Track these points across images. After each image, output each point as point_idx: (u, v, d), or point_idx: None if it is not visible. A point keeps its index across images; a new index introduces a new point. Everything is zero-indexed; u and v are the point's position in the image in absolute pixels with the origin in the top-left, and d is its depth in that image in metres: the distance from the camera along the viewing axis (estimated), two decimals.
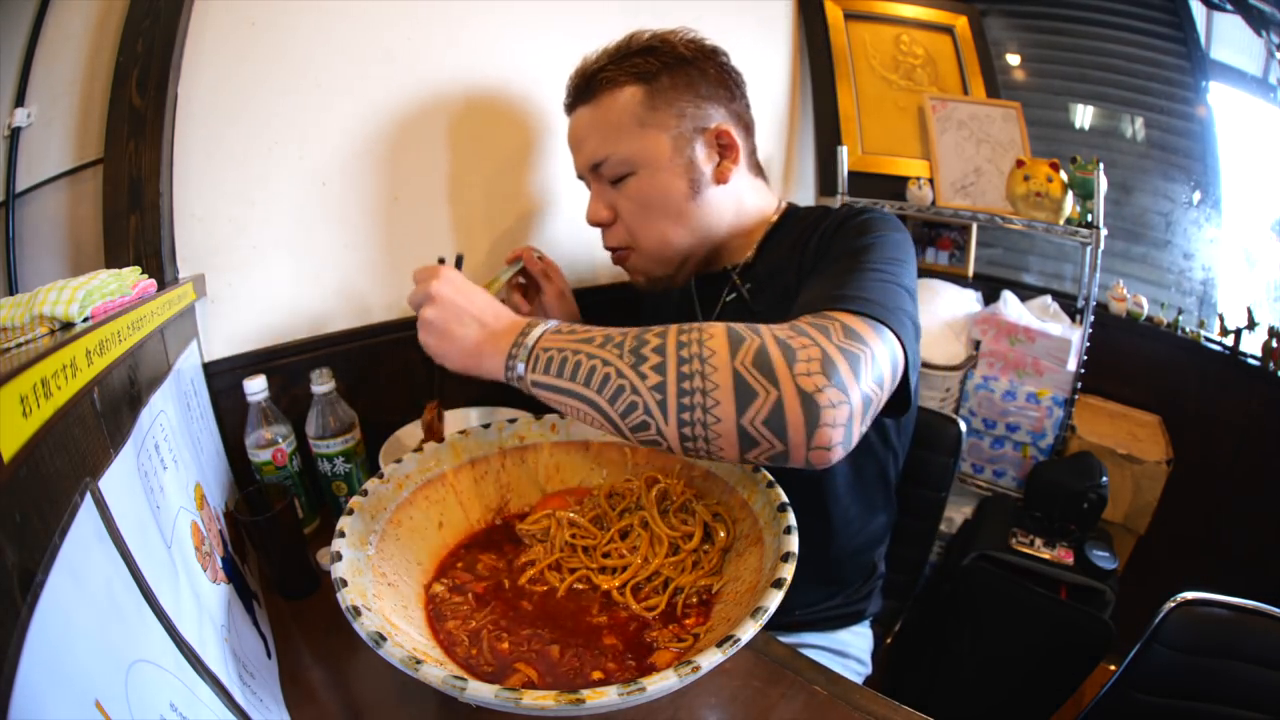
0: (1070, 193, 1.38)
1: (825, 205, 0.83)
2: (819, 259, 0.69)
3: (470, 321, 0.59)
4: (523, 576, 0.60)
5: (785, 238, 0.79)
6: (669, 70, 0.74)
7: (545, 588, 0.59)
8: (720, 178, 0.77)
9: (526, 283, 0.93)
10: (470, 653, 0.52)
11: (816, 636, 0.85)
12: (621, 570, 0.59)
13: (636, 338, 0.51)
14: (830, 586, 0.85)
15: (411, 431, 0.89)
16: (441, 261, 0.67)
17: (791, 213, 0.83)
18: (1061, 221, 1.40)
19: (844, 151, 1.58)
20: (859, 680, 0.87)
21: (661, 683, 0.39)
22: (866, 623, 0.91)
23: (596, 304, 1.18)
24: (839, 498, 0.79)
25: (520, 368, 0.55)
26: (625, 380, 0.49)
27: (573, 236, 1.16)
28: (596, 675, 0.49)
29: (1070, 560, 1.23)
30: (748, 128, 0.81)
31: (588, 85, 0.77)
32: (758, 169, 0.84)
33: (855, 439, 0.48)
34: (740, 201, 0.80)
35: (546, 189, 1.12)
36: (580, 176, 0.84)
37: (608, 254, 0.86)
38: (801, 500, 0.76)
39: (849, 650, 0.86)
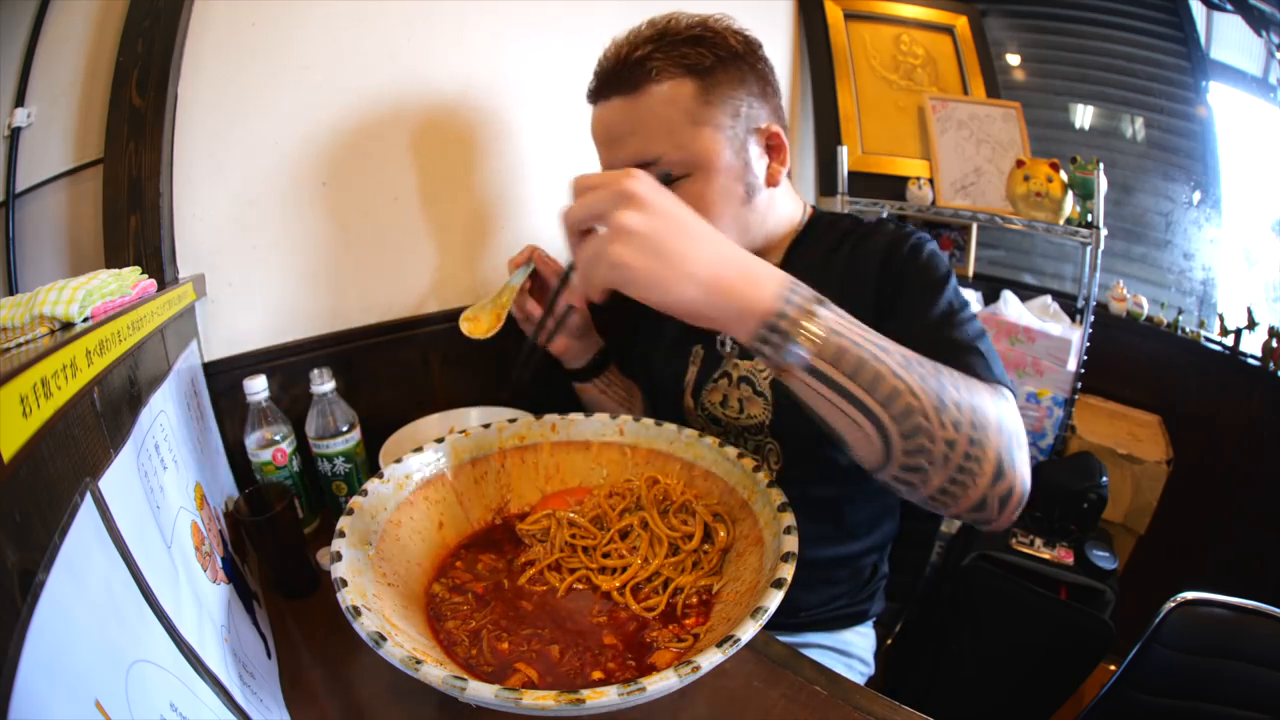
0: (1070, 193, 1.38)
1: (853, 215, 0.80)
2: (891, 292, 0.68)
3: (705, 237, 0.47)
4: (522, 576, 0.60)
5: (815, 245, 0.77)
6: (723, 65, 0.68)
7: (545, 588, 0.59)
8: (770, 181, 0.74)
9: (533, 284, 0.89)
10: (470, 653, 0.52)
11: (821, 636, 0.85)
12: (621, 570, 0.59)
13: (935, 379, 0.49)
14: (837, 588, 0.85)
15: (411, 431, 0.89)
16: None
17: (819, 218, 0.81)
18: (1061, 221, 1.40)
19: (844, 151, 1.58)
20: (863, 679, 0.87)
21: (661, 683, 0.39)
22: (869, 623, 0.91)
23: (593, 305, 1.18)
24: (857, 503, 0.79)
25: (798, 348, 0.45)
26: (927, 423, 0.48)
27: None
28: (597, 675, 0.49)
29: (1070, 560, 1.23)
30: (785, 128, 0.78)
31: (629, 73, 0.68)
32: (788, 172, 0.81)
33: None
34: (777, 205, 0.78)
35: (548, 188, 1.12)
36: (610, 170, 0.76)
37: None
38: (820, 506, 0.76)
39: (853, 650, 0.86)
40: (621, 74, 0.68)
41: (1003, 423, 0.52)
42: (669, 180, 0.71)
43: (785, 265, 0.77)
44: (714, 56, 0.67)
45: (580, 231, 0.49)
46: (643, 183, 0.45)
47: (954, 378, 0.51)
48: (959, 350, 0.59)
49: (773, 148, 0.73)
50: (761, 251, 0.76)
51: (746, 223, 0.73)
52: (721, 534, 0.59)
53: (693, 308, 0.45)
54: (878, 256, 0.70)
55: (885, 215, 1.73)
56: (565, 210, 0.48)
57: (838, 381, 0.46)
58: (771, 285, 0.46)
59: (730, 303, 0.46)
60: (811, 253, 0.77)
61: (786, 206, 0.79)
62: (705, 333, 0.82)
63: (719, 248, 0.47)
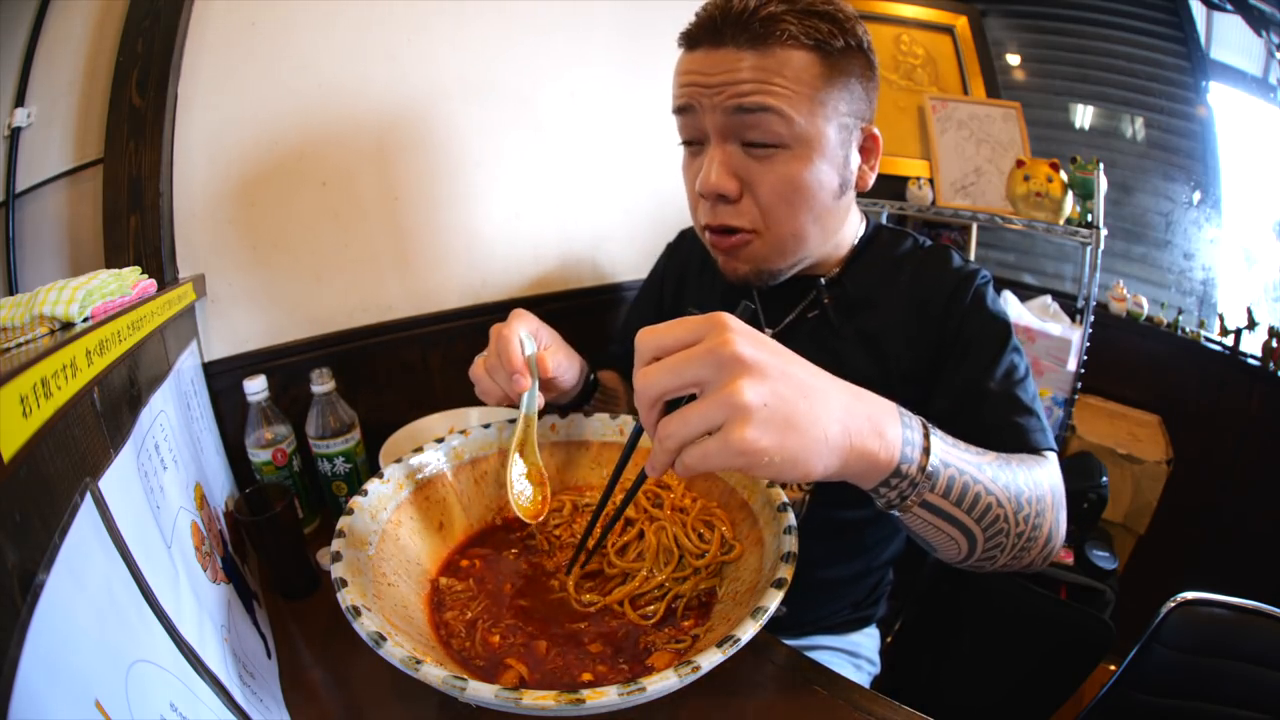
0: (1070, 193, 1.38)
1: (912, 234, 0.78)
2: (952, 338, 0.68)
3: (825, 386, 0.42)
4: (550, 561, 0.61)
5: (876, 259, 0.75)
6: (850, 51, 0.63)
7: (537, 560, 0.60)
8: (860, 183, 0.70)
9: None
10: (465, 645, 0.52)
11: (829, 639, 0.85)
12: (623, 580, 0.58)
13: (1014, 483, 0.52)
14: (846, 599, 0.85)
15: (411, 431, 0.89)
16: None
17: (880, 229, 0.78)
18: (1061, 221, 1.40)
19: None
20: (869, 679, 0.87)
21: (662, 683, 0.39)
22: (874, 624, 0.91)
23: (584, 308, 1.18)
24: (878, 524, 0.79)
25: (918, 489, 0.46)
26: (1007, 525, 0.52)
27: (580, 237, 1.16)
28: (586, 676, 0.49)
29: (1070, 560, 1.23)
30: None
31: (758, 26, 0.59)
32: None
33: None
34: (853, 210, 0.75)
35: (552, 188, 1.12)
36: (681, 109, 0.66)
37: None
38: (845, 527, 0.75)
39: (860, 650, 0.86)
40: (747, 23, 0.60)
41: (1054, 497, 0.57)
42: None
43: (842, 274, 0.74)
44: (844, 40, 0.62)
45: (662, 404, 0.41)
46: (747, 339, 0.38)
47: (1023, 468, 0.55)
48: (1019, 412, 0.63)
49: (867, 149, 0.69)
50: (827, 255, 0.74)
51: (832, 217, 0.69)
52: (737, 550, 0.58)
53: (825, 476, 0.41)
54: (943, 295, 0.69)
55: (885, 217, 1.73)
56: (646, 379, 0.40)
57: (946, 510, 0.48)
58: (891, 427, 0.44)
59: (863, 461, 0.42)
60: (870, 268, 0.74)
61: (856, 213, 0.76)
62: None
63: (837, 392, 0.42)
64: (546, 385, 0.67)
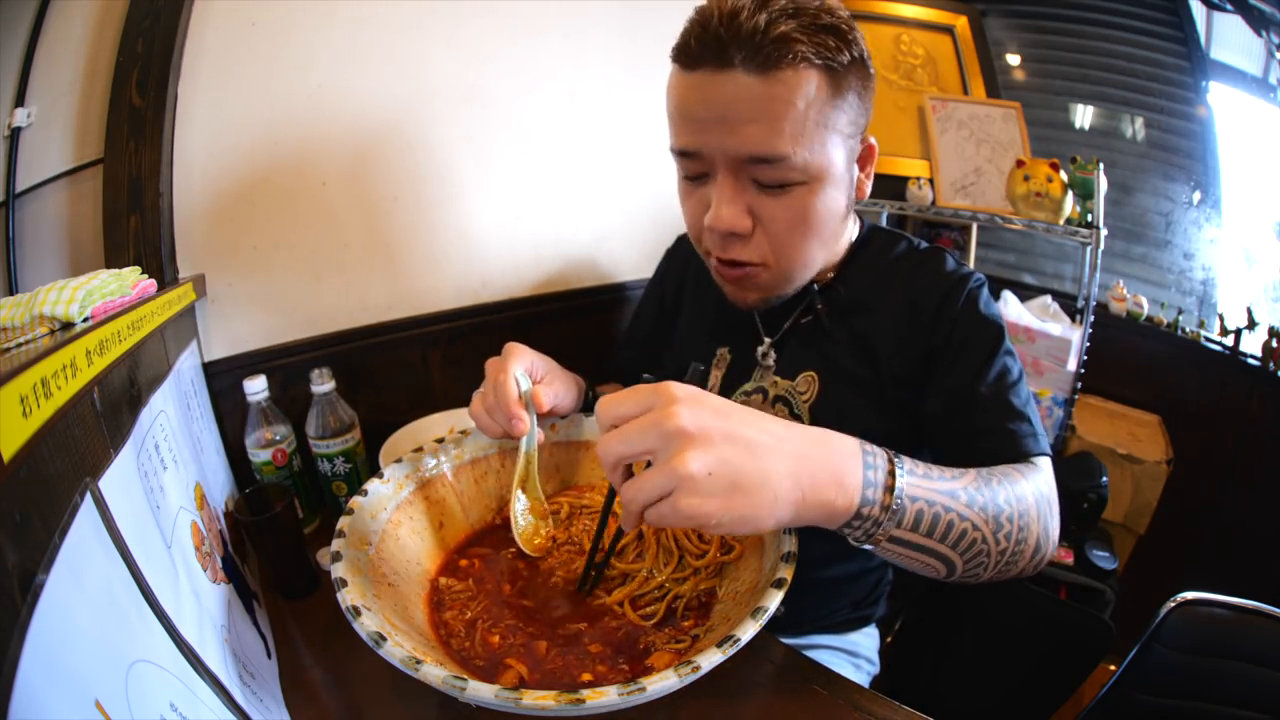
0: (1070, 193, 1.38)
1: (902, 233, 0.77)
2: (943, 341, 0.67)
3: (774, 443, 0.43)
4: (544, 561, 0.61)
5: (870, 262, 0.74)
6: (855, 66, 0.59)
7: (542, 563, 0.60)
8: (859, 193, 0.67)
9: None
10: (464, 645, 0.52)
11: (828, 638, 0.85)
12: (624, 582, 0.58)
13: (992, 503, 0.52)
14: (846, 599, 0.85)
15: (411, 431, 0.89)
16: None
17: (873, 233, 0.77)
18: (1061, 221, 1.40)
19: None
20: (868, 679, 0.88)
21: (661, 683, 0.39)
22: (873, 624, 0.91)
23: (585, 308, 1.18)
24: None
25: (883, 527, 0.47)
26: (986, 545, 0.52)
27: (581, 237, 1.16)
28: (586, 677, 0.49)
29: (1070, 560, 1.23)
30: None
31: (767, 48, 0.53)
32: None
33: None
34: (850, 218, 0.73)
35: (551, 188, 1.11)
36: (685, 153, 0.61)
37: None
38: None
39: (859, 650, 0.87)
40: (759, 45, 0.53)
41: (1041, 507, 0.56)
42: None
43: (836, 279, 0.73)
44: (849, 55, 0.57)
45: (624, 466, 0.44)
46: (690, 409, 0.41)
47: (1005, 484, 0.54)
48: (1011, 417, 0.62)
49: (863, 158, 0.66)
50: (823, 261, 0.71)
51: (834, 240, 0.68)
52: (737, 550, 0.58)
53: (778, 527, 0.44)
54: (936, 298, 0.68)
55: (885, 217, 1.74)
56: (604, 448, 0.43)
57: (916, 542, 0.49)
58: (851, 472, 0.45)
59: (819, 510, 0.45)
60: (864, 272, 0.74)
61: (852, 217, 0.75)
62: (736, 335, 0.78)
63: (790, 445, 0.44)
64: (546, 415, 0.69)
